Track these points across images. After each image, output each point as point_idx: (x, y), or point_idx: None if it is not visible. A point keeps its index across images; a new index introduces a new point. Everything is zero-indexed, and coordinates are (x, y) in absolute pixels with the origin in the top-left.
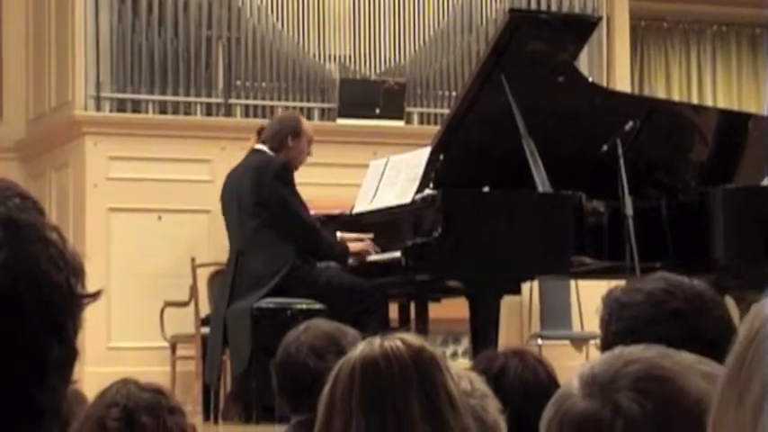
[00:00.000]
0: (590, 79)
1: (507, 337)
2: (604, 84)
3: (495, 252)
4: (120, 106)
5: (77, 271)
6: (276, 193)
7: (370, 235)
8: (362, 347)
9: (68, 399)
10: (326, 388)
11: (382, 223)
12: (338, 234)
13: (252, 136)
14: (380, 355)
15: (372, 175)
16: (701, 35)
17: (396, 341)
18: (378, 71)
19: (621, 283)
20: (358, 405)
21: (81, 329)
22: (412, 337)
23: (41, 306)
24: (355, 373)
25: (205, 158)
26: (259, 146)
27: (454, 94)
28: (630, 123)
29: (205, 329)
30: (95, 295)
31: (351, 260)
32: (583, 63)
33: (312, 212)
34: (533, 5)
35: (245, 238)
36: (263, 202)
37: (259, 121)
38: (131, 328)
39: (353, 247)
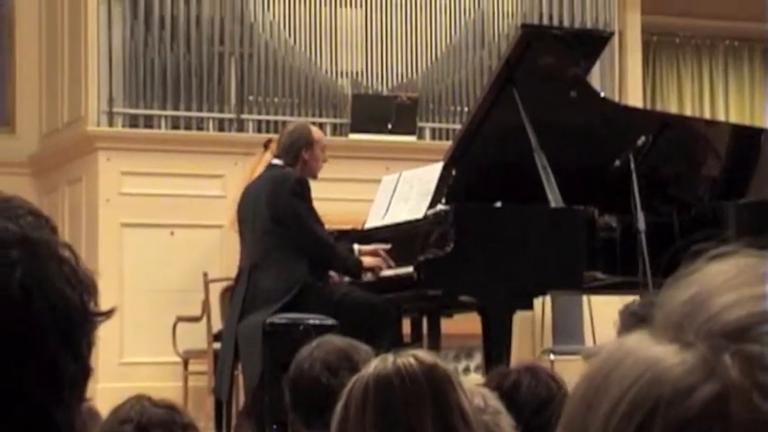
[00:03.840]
0: (602, 94)
1: (520, 353)
2: (617, 99)
3: (508, 267)
4: (133, 121)
5: (90, 289)
6: (292, 208)
7: (388, 246)
8: (376, 364)
9: (83, 415)
10: (340, 405)
11: (395, 238)
12: (356, 246)
13: (258, 150)
14: (394, 373)
15: (385, 191)
16: (713, 50)
17: (409, 358)
18: (390, 86)
19: (636, 298)
20: (371, 422)
21: (94, 346)
22: (425, 354)
23: (56, 324)
24: (369, 390)
25: (217, 174)
26: (275, 160)
27: (466, 109)
28: (643, 138)
29: (217, 344)
30: (109, 313)
31: (364, 275)
32: (595, 78)
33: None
34: (546, 21)
35: (260, 252)
36: (278, 217)
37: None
38: (144, 343)
39: (367, 262)
